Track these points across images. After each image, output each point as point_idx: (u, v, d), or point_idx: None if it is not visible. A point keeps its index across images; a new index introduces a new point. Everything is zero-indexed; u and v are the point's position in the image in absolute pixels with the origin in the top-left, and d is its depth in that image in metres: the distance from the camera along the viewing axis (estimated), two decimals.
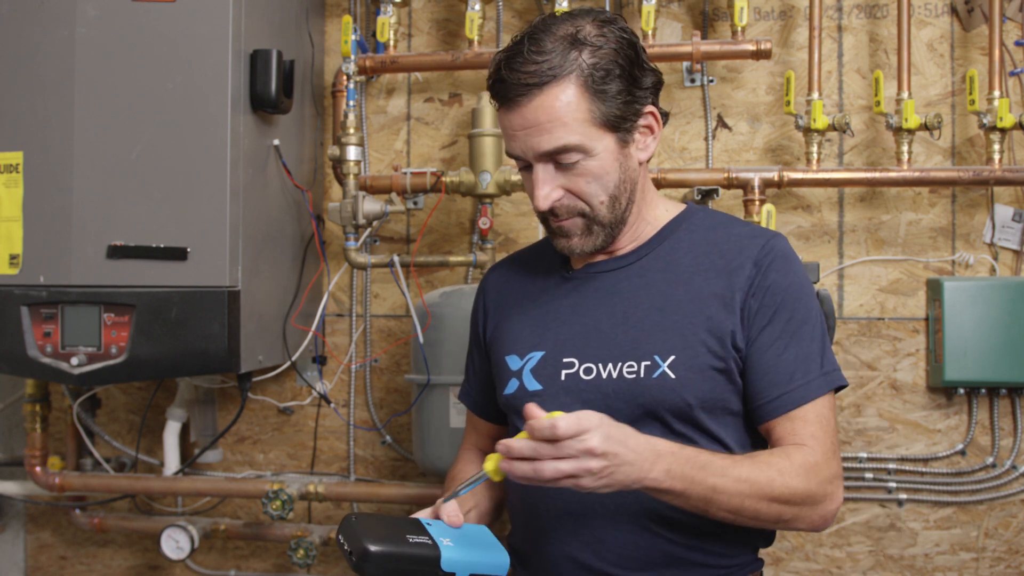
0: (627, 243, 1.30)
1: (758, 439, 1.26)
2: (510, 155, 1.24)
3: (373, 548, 1.02)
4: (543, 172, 1.20)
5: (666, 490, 1.08)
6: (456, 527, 1.12)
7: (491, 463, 1.07)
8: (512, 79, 1.17)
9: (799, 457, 1.16)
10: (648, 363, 1.20)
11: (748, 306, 1.21)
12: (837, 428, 1.23)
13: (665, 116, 1.28)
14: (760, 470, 1.13)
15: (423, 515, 1.15)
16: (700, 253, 1.26)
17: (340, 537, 1.06)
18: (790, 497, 1.14)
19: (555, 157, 1.19)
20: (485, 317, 1.43)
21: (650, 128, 1.25)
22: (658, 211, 1.32)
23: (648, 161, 1.30)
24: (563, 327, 1.28)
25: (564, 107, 1.16)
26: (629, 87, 1.19)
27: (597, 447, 1.01)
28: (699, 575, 1.21)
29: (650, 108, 1.23)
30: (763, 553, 1.35)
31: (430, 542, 1.06)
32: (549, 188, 1.21)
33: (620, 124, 1.20)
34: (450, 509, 1.13)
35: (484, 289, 1.45)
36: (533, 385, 1.27)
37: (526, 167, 1.23)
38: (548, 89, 1.16)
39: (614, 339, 1.24)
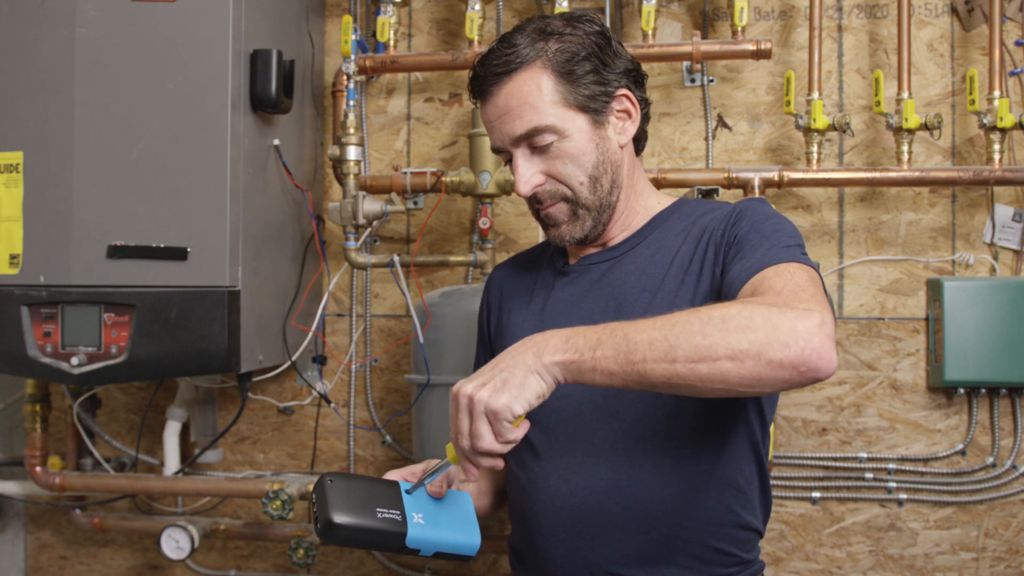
0: (618, 233, 1.32)
1: (765, 428, 1.26)
2: (494, 150, 1.28)
3: (338, 520, 1.02)
4: (521, 158, 1.24)
5: (574, 362, 0.99)
6: (439, 497, 1.12)
7: (451, 450, 1.07)
8: (483, 72, 1.24)
9: (742, 299, 1.03)
10: None
11: (719, 256, 1.20)
12: (824, 294, 1.07)
13: (645, 103, 1.30)
14: (685, 312, 1.00)
15: (410, 476, 1.15)
16: (687, 234, 1.27)
17: (313, 497, 1.06)
18: (729, 317, 0.96)
19: (530, 141, 1.23)
20: (488, 312, 1.46)
21: (627, 112, 1.27)
22: (650, 202, 1.34)
23: (637, 151, 1.32)
24: (559, 320, 1.29)
25: (532, 90, 1.21)
26: (598, 68, 1.23)
27: (463, 391, 1.00)
28: (698, 574, 1.21)
29: (623, 91, 1.26)
30: (763, 554, 1.35)
31: (399, 517, 1.06)
32: (528, 173, 1.24)
33: (590, 104, 1.22)
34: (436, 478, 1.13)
35: (489, 286, 1.48)
36: None
37: (510, 160, 1.27)
38: (516, 75, 1.21)
39: None
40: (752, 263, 1.12)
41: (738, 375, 0.96)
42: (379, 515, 1.04)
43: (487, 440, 1.00)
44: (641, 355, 0.97)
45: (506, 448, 1.02)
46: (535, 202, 1.28)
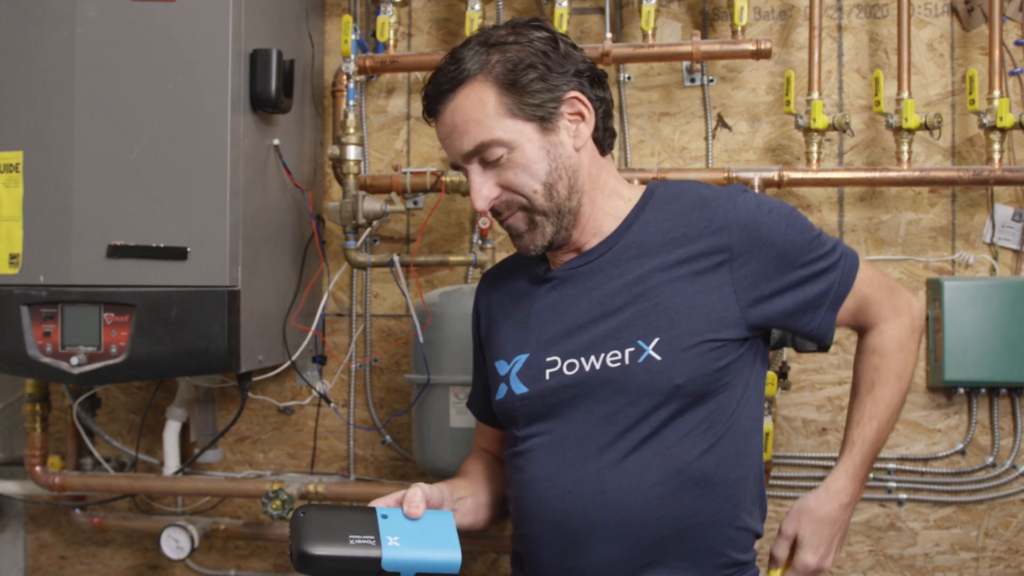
0: (591, 238, 1.29)
1: (758, 427, 1.27)
2: (452, 167, 1.29)
3: (311, 551, 1.02)
4: (475, 173, 1.24)
5: (862, 478, 1.32)
6: (415, 518, 1.11)
7: None
8: (431, 91, 1.25)
9: (875, 343, 1.34)
10: (632, 349, 1.20)
11: (750, 288, 1.22)
12: (883, 275, 1.35)
13: (601, 102, 1.27)
14: (869, 396, 1.33)
15: (387, 502, 1.13)
16: (669, 227, 1.25)
17: (290, 530, 1.07)
18: (900, 368, 1.33)
19: (481, 156, 1.23)
20: (479, 319, 1.45)
21: (580, 114, 1.25)
22: (619, 202, 1.31)
23: (603, 150, 1.30)
24: (544, 327, 1.29)
25: (476, 105, 1.20)
26: (544, 75, 1.21)
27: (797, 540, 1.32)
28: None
29: (573, 94, 1.24)
30: (764, 554, 1.35)
31: (373, 542, 1.05)
32: (483, 188, 1.24)
33: (537, 112, 1.21)
34: (412, 498, 1.12)
35: (477, 296, 1.47)
36: (520, 388, 1.28)
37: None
38: (460, 91, 1.21)
39: (595, 332, 1.24)
40: (832, 299, 1.28)
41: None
42: (352, 542, 1.05)
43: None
44: (881, 439, 1.34)
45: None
46: (496, 214, 1.27)
